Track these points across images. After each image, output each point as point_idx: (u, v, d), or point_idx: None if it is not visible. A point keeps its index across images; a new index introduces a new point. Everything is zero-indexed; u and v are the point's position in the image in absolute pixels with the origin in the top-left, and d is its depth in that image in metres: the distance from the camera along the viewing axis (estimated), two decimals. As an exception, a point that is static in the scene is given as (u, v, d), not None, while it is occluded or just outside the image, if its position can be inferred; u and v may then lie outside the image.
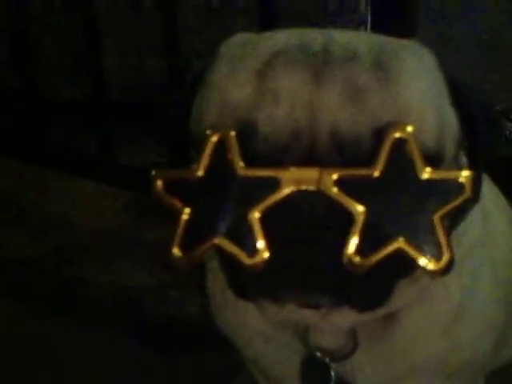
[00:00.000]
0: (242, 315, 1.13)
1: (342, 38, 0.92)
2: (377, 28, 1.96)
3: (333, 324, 1.02)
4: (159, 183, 0.88)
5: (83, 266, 2.20)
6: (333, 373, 1.09)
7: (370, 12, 1.91)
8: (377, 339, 1.07)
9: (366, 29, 2.13)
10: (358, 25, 2.44)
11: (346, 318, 0.99)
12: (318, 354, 1.09)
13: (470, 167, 0.95)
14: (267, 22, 2.03)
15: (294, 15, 2.50)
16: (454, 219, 0.95)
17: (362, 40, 0.92)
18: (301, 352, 1.11)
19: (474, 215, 1.04)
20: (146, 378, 1.83)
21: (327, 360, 1.09)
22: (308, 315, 0.98)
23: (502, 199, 1.30)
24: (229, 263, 0.87)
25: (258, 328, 1.12)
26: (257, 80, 0.87)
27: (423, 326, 1.07)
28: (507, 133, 2.82)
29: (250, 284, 0.88)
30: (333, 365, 1.09)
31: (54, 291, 2.15)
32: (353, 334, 1.06)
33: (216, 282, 1.15)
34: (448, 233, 0.89)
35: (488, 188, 1.21)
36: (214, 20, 2.76)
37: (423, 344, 1.08)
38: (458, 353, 1.11)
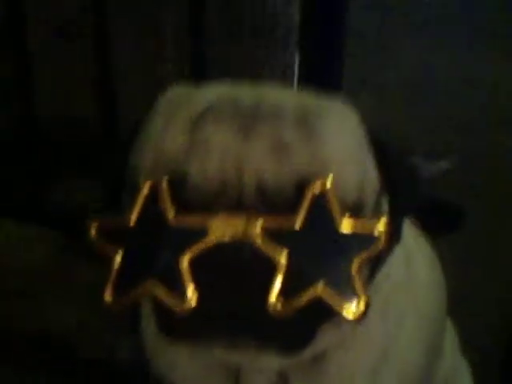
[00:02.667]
0: (175, 359, 1.15)
1: (272, 94, 0.98)
2: (304, 77, 2.04)
3: (262, 365, 1.05)
4: (93, 231, 0.91)
5: (12, 314, 2.16)
6: None
7: (296, 64, 1.99)
8: (307, 381, 1.10)
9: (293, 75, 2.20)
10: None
11: (274, 359, 1.02)
12: None
13: (391, 214, 1.00)
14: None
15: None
16: (374, 266, 1.00)
17: (289, 97, 0.99)
18: None
19: (397, 260, 1.09)
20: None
21: None
22: (238, 357, 1.02)
23: (422, 240, 1.35)
24: (159, 307, 0.90)
25: (191, 372, 1.14)
26: (190, 132, 0.92)
27: (348, 369, 1.11)
28: (429, 174, 2.93)
29: (179, 327, 0.91)
30: None
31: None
32: (284, 376, 1.09)
33: (149, 326, 1.17)
34: (366, 280, 0.94)
35: (409, 231, 1.26)
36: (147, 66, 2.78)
37: None
38: None
